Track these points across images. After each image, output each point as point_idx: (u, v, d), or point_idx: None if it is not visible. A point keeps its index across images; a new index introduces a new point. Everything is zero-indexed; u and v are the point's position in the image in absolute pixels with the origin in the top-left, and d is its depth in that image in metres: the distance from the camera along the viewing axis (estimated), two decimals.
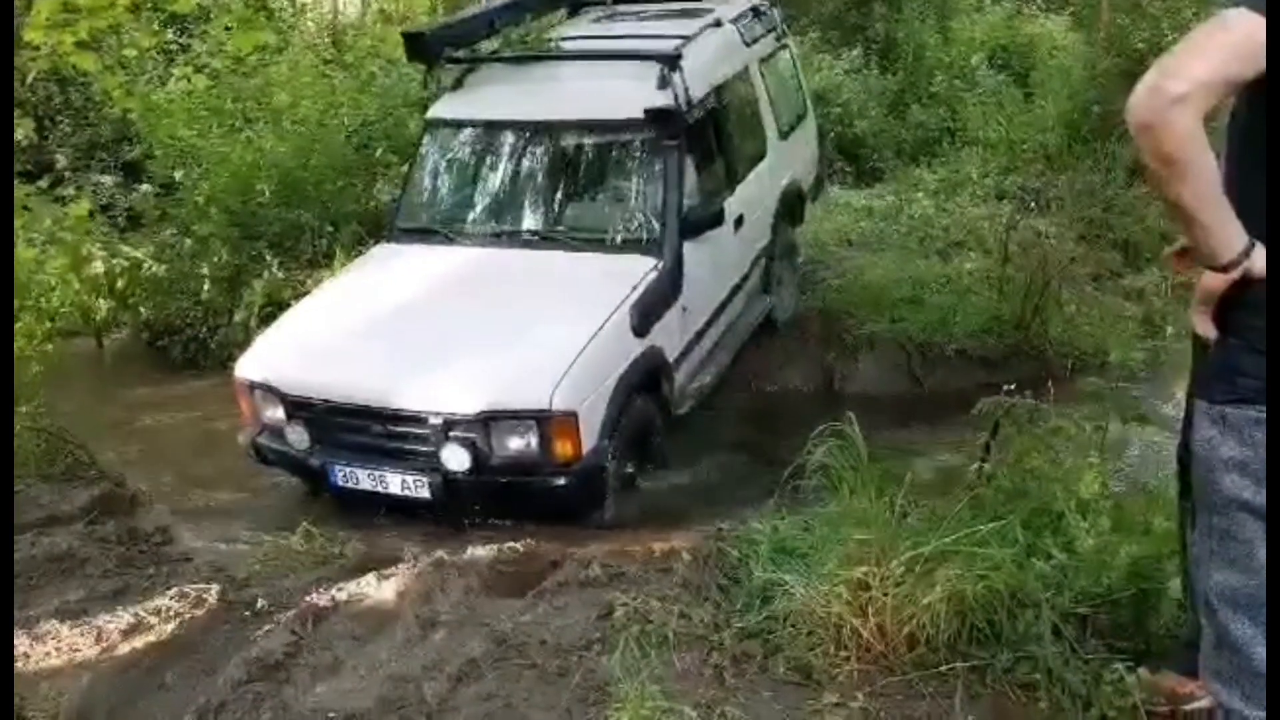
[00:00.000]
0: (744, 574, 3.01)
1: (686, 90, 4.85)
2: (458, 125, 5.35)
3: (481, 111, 5.32)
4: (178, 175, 7.68)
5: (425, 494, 4.09)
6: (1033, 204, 7.91)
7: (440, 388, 4.09)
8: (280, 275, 6.97)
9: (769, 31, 6.21)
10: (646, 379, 4.41)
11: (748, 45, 5.89)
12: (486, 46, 5.71)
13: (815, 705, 2.47)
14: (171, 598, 3.32)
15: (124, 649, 3.05)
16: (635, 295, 4.40)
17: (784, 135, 6.06)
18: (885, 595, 2.57)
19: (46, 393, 5.16)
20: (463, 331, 4.38)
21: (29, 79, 8.93)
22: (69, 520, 4.20)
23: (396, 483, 4.14)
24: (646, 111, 4.72)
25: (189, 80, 7.54)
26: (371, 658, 2.87)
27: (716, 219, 4.84)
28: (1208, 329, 1.88)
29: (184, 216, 7.61)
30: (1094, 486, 3.11)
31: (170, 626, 3.15)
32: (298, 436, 4.29)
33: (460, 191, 5.36)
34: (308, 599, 3.21)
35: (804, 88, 6.73)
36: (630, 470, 4.41)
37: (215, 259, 7.19)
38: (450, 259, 4.95)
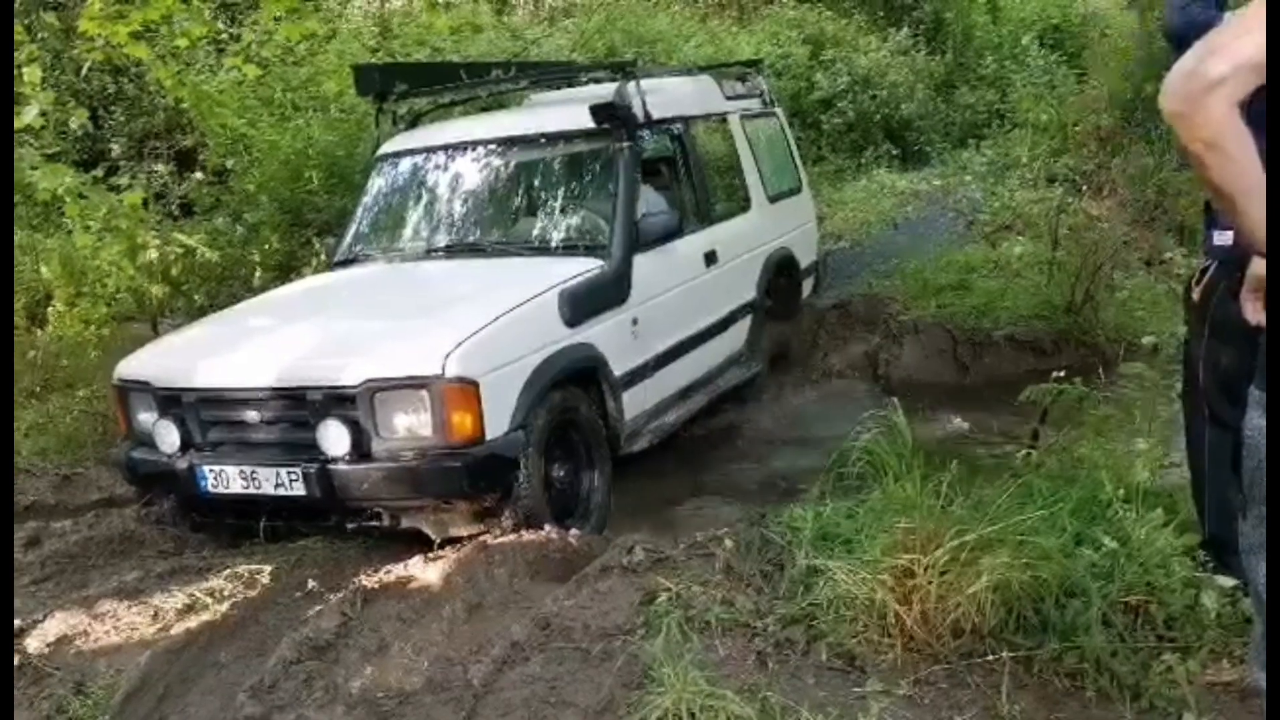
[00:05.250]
0: (787, 560, 3.00)
1: (644, 104, 4.77)
2: (409, 154, 5.23)
3: (436, 139, 5.26)
4: (229, 164, 7.81)
5: (300, 489, 3.56)
6: (1084, 187, 7.78)
7: (320, 360, 3.67)
8: (329, 262, 7.07)
9: (754, 96, 6.14)
10: (576, 374, 4.03)
11: (727, 98, 5.83)
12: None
13: (859, 692, 2.46)
14: (225, 578, 3.40)
15: (179, 628, 3.11)
16: (568, 283, 4.10)
17: (772, 199, 5.91)
18: (930, 583, 2.55)
19: (103, 377, 5.27)
20: (365, 317, 4.10)
21: (84, 70, 9.13)
22: (125, 502, 4.31)
23: (270, 479, 3.60)
24: (592, 108, 4.62)
25: (239, 70, 7.64)
26: (418, 639, 2.91)
27: (670, 230, 4.65)
28: (1259, 315, 1.84)
29: (235, 204, 7.75)
30: (1143, 474, 3.08)
31: (224, 606, 3.21)
32: (166, 436, 3.80)
33: (406, 217, 5.21)
34: (356, 580, 3.27)
35: (798, 163, 6.53)
36: (564, 476, 4.01)
37: (266, 246, 7.31)
38: (379, 270, 4.82)
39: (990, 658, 2.51)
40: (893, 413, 3.05)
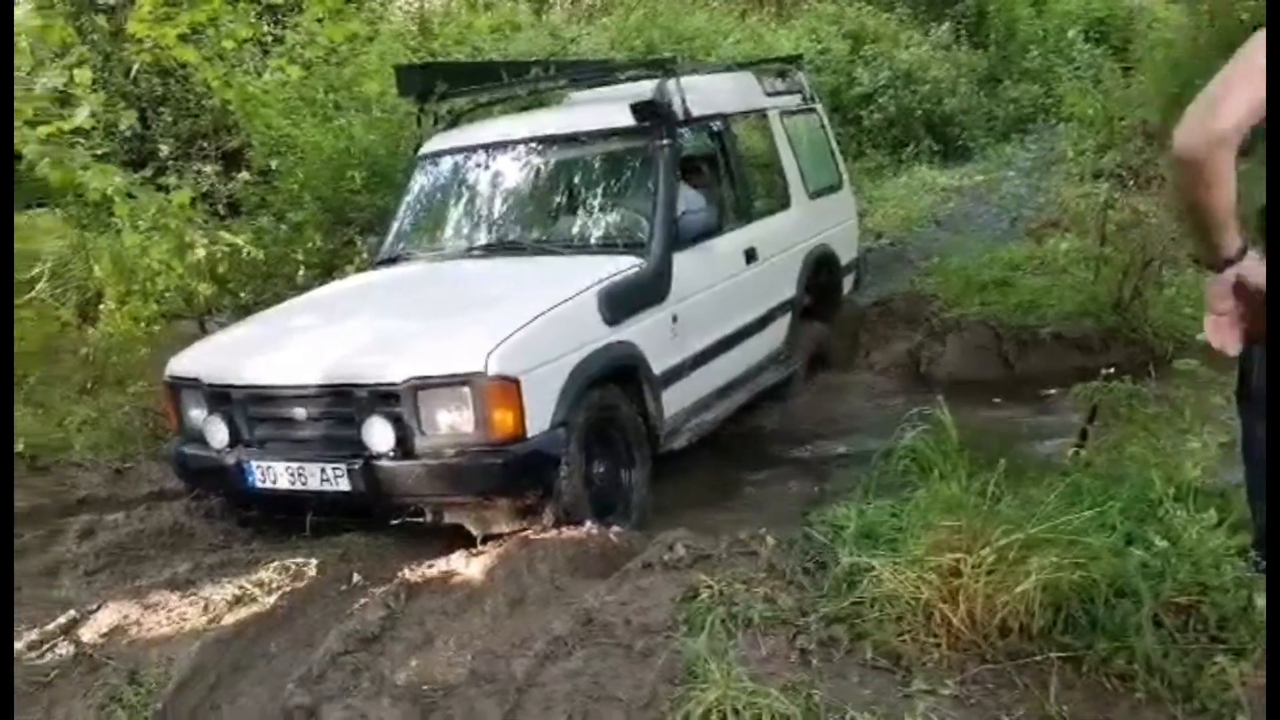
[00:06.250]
0: (829, 558, 2.99)
1: (684, 100, 4.78)
2: (450, 154, 5.29)
3: (476, 138, 5.31)
4: (273, 163, 7.91)
5: (345, 485, 3.62)
6: (1131, 182, 7.66)
7: (365, 358, 3.73)
8: (371, 260, 7.13)
9: (794, 92, 6.12)
10: (616, 372, 4.04)
11: (767, 95, 5.82)
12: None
13: (904, 691, 2.44)
14: (273, 571, 3.44)
15: (229, 619, 3.16)
16: (607, 282, 4.11)
17: (813, 196, 5.88)
18: (977, 582, 2.52)
19: (152, 374, 5.37)
20: (408, 315, 4.17)
21: (133, 72, 9.30)
22: (175, 496, 4.39)
23: (316, 475, 3.67)
24: (632, 106, 4.63)
25: (284, 70, 7.75)
26: (461, 633, 2.93)
27: (710, 227, 4.68)
28: (1220, 336, 1.99)
29: (280, 203, 7.85)
30: (1195, 473, 3.03)
31: (272, 598, 3.26)
32: (216, 432, 3.89)
33: (447, 216, 5.26)
34: (400, 574, 3.30)
35: (838, 158, 6.49)
36: (604, 473, 4.01)
37: (309, 244, 7.40)
38: (421, 269, 4.88)
39: (1038, 658, 2.48)
40: (938, 410, 3.02)
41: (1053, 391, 4.64)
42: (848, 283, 6.29)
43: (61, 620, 3.22)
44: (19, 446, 4.80)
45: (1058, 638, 2.51)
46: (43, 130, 5.40)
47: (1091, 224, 6.53)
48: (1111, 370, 3.56)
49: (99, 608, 3.30)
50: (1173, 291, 5.93)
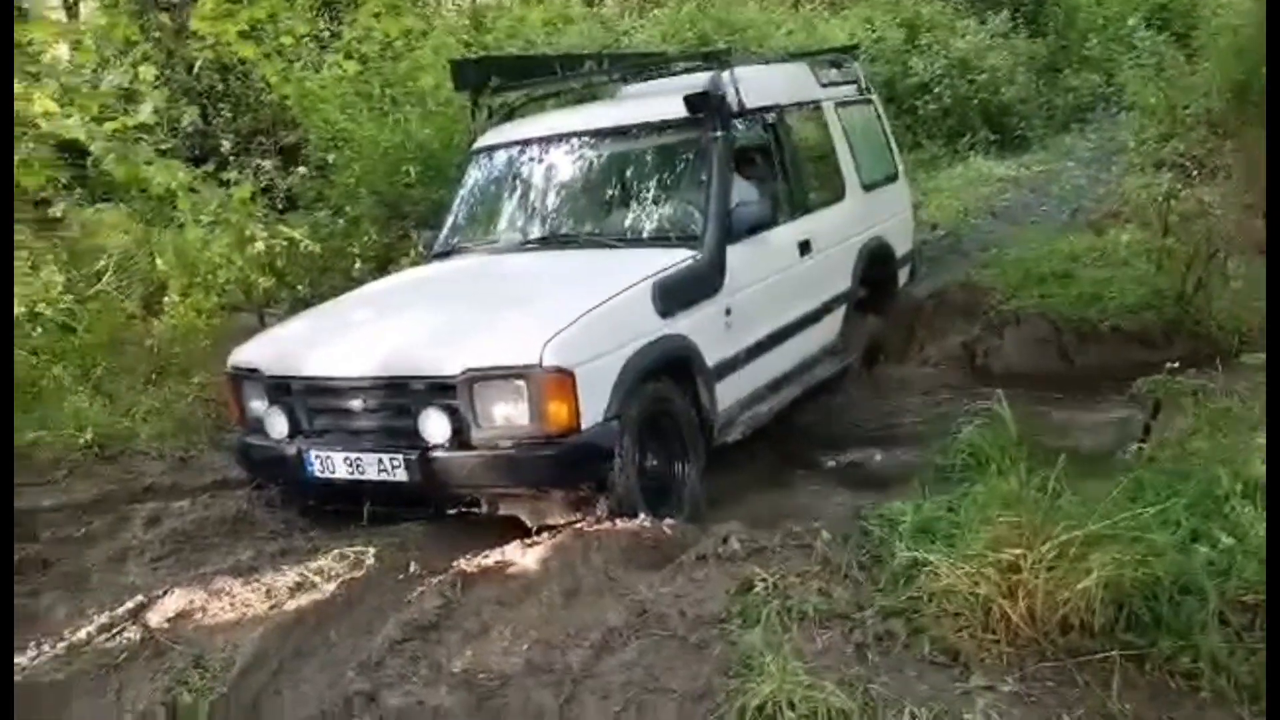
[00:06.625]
0: (885, 552, 2.97)
1: (738, 92, 4.75)
2: (504, 147, 5.32)
3: (530, 131, 5.33)
4: (330, 158, 8.02)
5: (402, 475, 3.68)
6: (1195, 173, 7.48)
7: (422, 351, 3.79)
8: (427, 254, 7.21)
9: (849, 82, 6.07)
10: (670, 365, 4.05)
11: (822, 85, 5.78)
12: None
13: (963, 687, 2.42)
14: (332, 559, 3.50)
15: (291, 606, 3.22)
16: (661, 275, 4.11)
17: (868, 188, 5.83)
18: (1037, 578, 2.50)
19: (214, 365, 5.49)
20: (463, 308, 4.19)
21: (195, 68, 9.48)
22: (238, 485, 4.49)
23: (374, 465, 3.72)
24: (686, 98, 4.61)
25: (340, 66, 7.85)
26: (517, 623, 2.96)
27: (763, 219, 4.64)
28: None
29: (336, 197, 7.96)
30: (1262, 468, 2.95)
31: (332, 586, 3.31)
32: (276, 423, 3.97)
33: (501, 209, 5.30)
34: (456, 564, 3.34)
35: (894, 149, 6.41)
36: (658, 466, 4.01)
37: (365, 238, 7.51)
38: (476, 262, 4.92)
39: (1100, 655, 2.44)
40: (997, 405, 2.99)
41: (1114, 385, 4.55)
42: (903, 275, 6.23)
43: (129, 605, 3.31)
44: (87, 435, 4.94)
45: (1120, 635, 2.48)
46: (108, 126, 5.54)
47: (1154, 215, 6.38)
48: (1175, 364, 3.49)
49: (165, 593, 3.38)
50: (1238, 284, 5.78)
